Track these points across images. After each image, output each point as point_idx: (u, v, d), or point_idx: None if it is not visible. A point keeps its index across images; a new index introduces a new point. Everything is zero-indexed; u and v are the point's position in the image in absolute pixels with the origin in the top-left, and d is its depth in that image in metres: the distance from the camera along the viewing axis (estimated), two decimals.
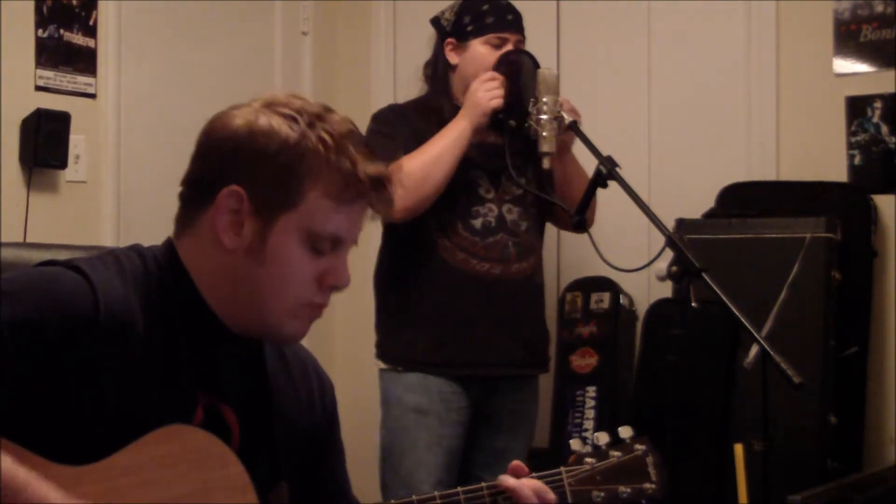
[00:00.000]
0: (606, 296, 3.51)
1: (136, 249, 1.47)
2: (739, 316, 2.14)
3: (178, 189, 1.49)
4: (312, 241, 1.42)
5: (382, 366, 2.96)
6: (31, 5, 3.23)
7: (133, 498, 1.32)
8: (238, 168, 1.41)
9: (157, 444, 1.34)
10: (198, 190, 1.45)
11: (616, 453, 1.64)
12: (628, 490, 1.63)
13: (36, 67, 3.25)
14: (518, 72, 2.84)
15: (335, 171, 1.40)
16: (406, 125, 2.90)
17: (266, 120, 1.41)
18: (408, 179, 2.70)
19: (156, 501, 1.33)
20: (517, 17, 2.96)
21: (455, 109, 2.93)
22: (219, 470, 1.38)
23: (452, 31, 2.96)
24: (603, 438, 1.65)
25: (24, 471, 1.24)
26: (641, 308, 3.46)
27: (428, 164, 2.77)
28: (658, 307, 3.30)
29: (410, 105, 3.02)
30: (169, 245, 1.47)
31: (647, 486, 1.64)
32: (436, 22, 3.02)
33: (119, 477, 1.32)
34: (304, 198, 1.40)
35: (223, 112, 1.46)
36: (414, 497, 1.48)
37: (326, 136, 1.41)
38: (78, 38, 3.36)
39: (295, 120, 1.41)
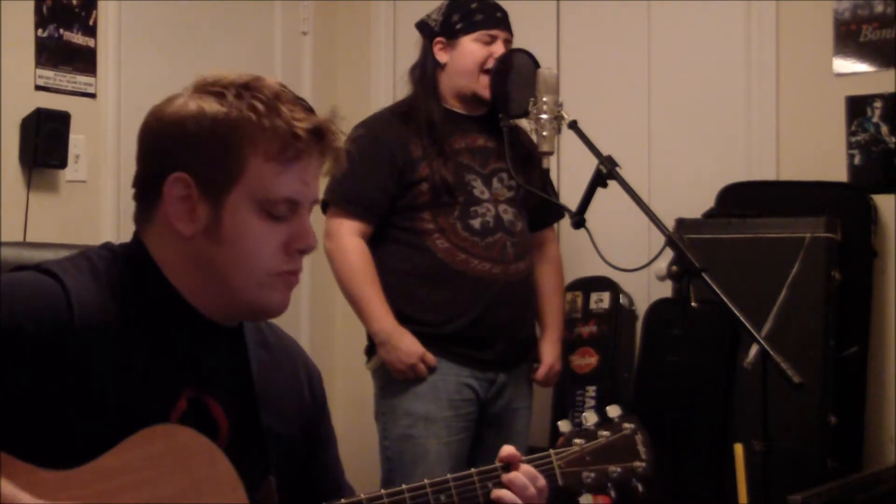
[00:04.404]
0: (606, 296, 3.51)
1: (107, 247, 1.47)
2: (739, 316, 2.13)
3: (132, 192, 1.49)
4: (267, 209, 1.41)
5: (380, 371, 2.94)
6: (31, 5, 3.23)
7: (121, 499, 1.30)
8: (177, 156, 1.41)
9: (144, 445, 1.33)
10: (147, 186, 1.45)
11: (605, 433, 1.62)
12: (618, 469, 1.61)
13: (36, 67, 3.25)
14: (511, 68, 2.85)
15: (271, 133, 1.40)
16: (390, 143, 2.89)
17: (194, 104, 1.42)
18: (339, 265, 2.87)
19: (144, 502, 1.32)
20: (505, 15, 2.99)
21: (443, 110, 2.93)
22: (206, 468, 1.36)
23: (441, 30, 2.97)
24: (591, 419, 1.63)
25: None
26: (641, 308, 3.46)
27: (345, 287, 2.87)
28: (658, 307, 3.30)
29: (395, 110, 3.02)
30: (137, 241, 1.47)
31: (637, 464, 1.63)
32: (422, 25, 3.03)
33: (106, 479, 1.30)
34: (246, 167, 1.40)
35: (156, 106, 1.46)
36: (404, 486, 1.48)
37: (256, 102, 1.41)
38: (78, 38, 3.36)
39: (223, 95, 1.42)
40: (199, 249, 1.42)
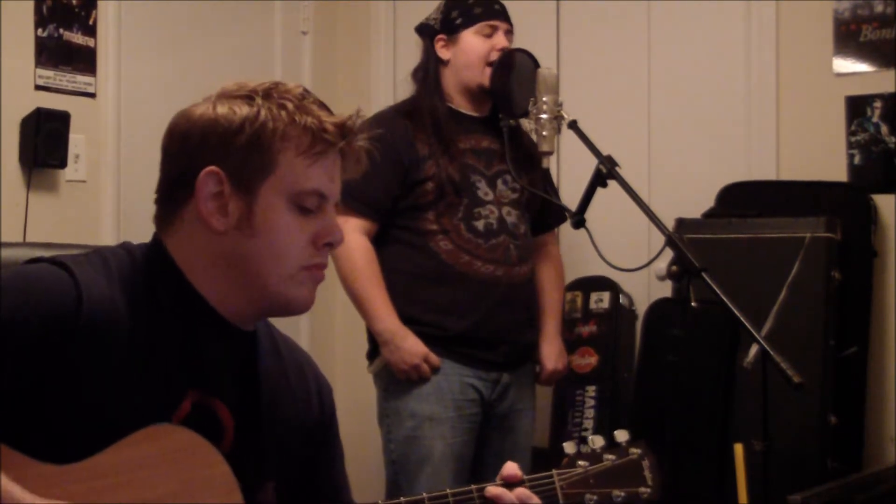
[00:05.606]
0: (606, 295, 3.51)
1: (124, 247, 1.48)
2: (739, 316, 2.13)
3: (154, 197, 1.50)
4: (298, 202, 1.44)
5: (382, 374, 2.93)
6: (31, 5, 3.23)
7: (115, 498, 1.30)
8: (209, 152, 1.43)
9: (141, 444, 1.33)
10: (174, 187, 1.46)
11: (610, 456, 1.62)
12: (622, 494, 1.61)
13: (36, 67, 3.25)
14: (512, 68, 2.85)
15: (301, 128, 1.44)
16: (396, 143, 2.87)
17: (224, 106, 1.45)
18: (342, 262, 2.85)
19: (138, 502, 1.31)
20: (503, 7, 3.00)
21: (447, 109, 2.93)
22: (203, 470, 1.36)
23: (442, 27, 2.98)
24: (598, 442, 1.63)
25: None
26: (641, 308, 3.46)
27: (349, 285, 2.87)
28: (658, 307, 3.29)
29: (399, 109, 3.02)
30: (157, 241, 1.48)
31: (643, 489, 1.62)
32: (422, 27, 3.04)
33: (101, 477, 1.30)
34: (278, 161, 1.43)
35: (180, 112, 1.49)
36: (402, 498, 1.47)
37: (285, 101, 1.45)
38: (78, 38, 3.36)
39: (251, 98, 1.45)
40: (229, 245, 1.43)
